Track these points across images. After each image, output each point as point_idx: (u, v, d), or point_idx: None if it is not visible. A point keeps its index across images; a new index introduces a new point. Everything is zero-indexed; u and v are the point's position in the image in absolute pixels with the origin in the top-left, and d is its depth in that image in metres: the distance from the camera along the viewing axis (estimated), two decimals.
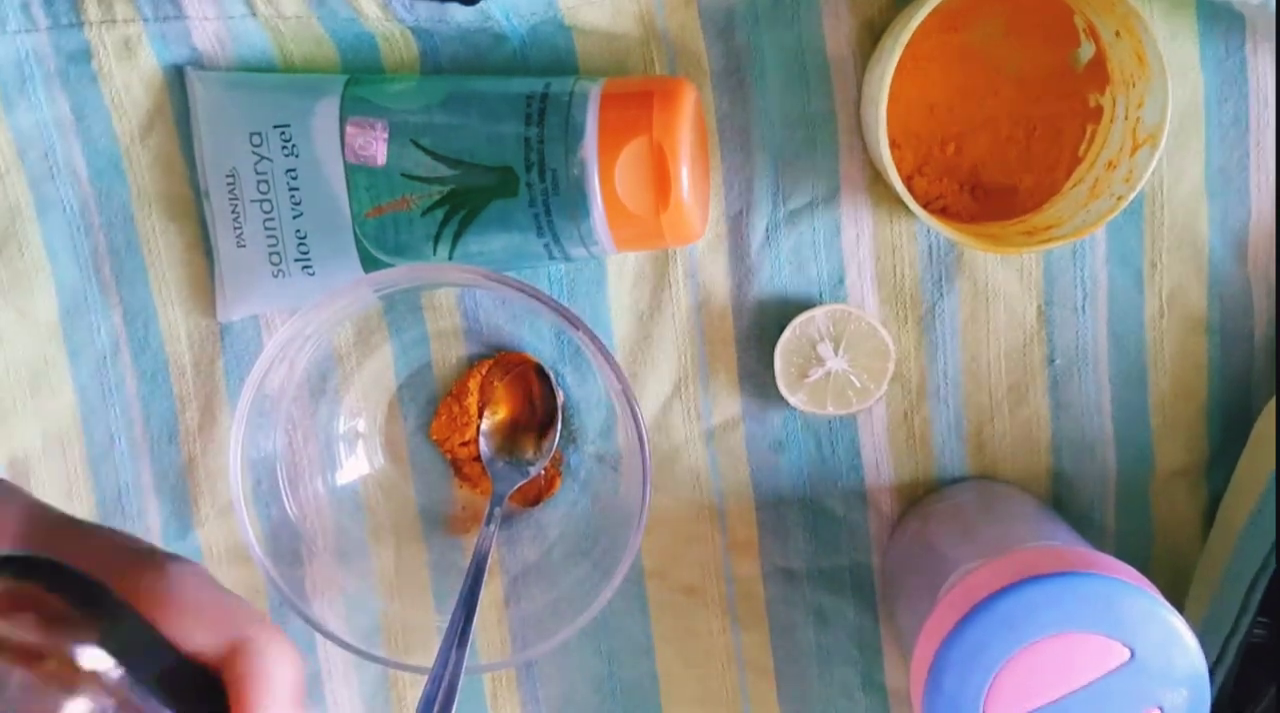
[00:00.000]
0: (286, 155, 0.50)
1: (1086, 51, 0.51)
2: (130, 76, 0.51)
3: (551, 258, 0.50)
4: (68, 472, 0.56)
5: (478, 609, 0.49)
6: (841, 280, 0.54)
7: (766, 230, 0.53)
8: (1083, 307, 0.54)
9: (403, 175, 0.48)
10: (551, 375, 0.54)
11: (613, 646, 0.57)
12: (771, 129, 0.52)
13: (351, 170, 0.49)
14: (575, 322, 0.48)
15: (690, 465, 0.56)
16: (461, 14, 0.49)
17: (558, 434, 0.54)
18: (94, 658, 0.30)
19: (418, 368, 0.55)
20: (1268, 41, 0.51)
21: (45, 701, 0.29)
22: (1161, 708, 0.43)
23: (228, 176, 0.51)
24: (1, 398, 0.55)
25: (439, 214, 0.48)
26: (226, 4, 0.50)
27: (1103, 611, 0.43)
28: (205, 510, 0.56)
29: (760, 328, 0.54)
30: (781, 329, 0.53)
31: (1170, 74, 0.46)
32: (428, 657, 0.48)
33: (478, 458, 0.55)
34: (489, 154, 0.48)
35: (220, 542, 0.57)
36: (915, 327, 0.54)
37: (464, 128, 0.48)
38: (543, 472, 0.55)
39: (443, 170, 0.48)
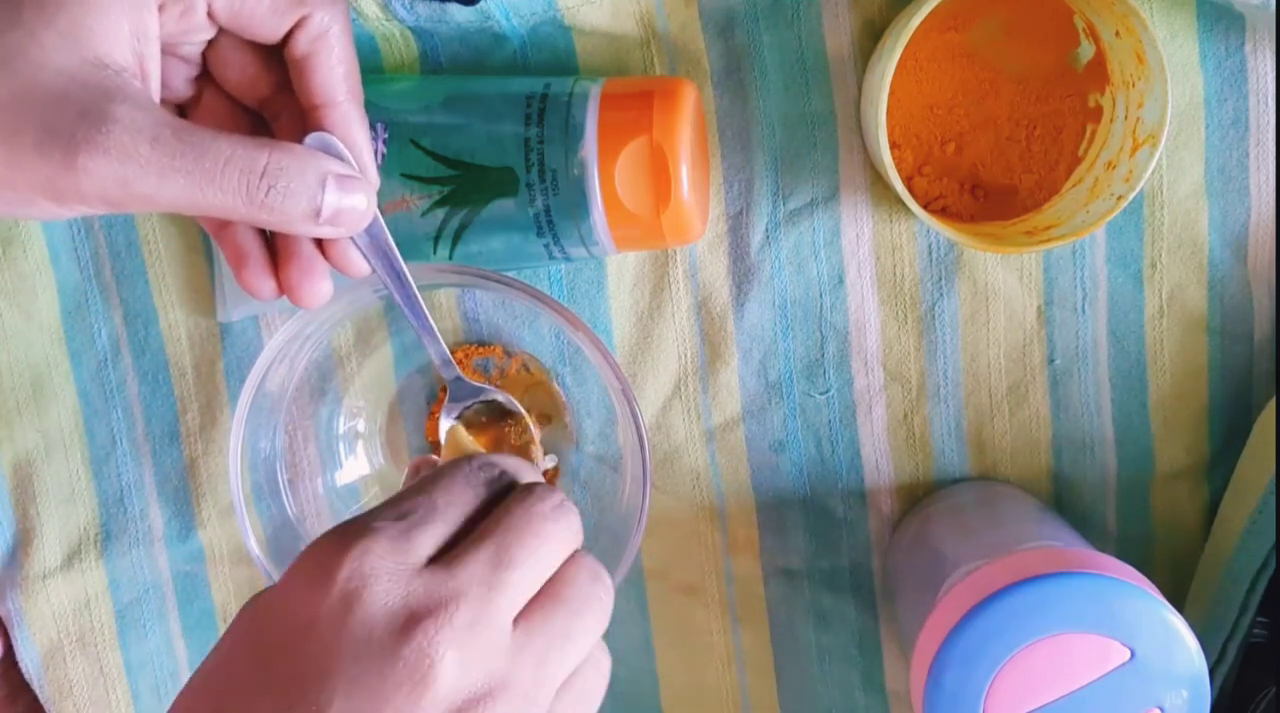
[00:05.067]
0: None
1: (1086, 51, 0.51)
2: None
3: (551, 258, 0.50)
4: (70, 473, 0.56)
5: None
6: (841, 280, 0.54)
7: (766, 230, 0.53)
8: (1083, 307, 0.54)
9: (403, 175, 0.48)
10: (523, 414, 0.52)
11: (613, 646, 0.57)
12: (771, 129, 0.52)
13: None
14: (575, 322, 0.48)
15: (690, 465, 0.56)
16: (461, 14, 0.49)
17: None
18: None
19: (418, 368, 0.55)
20: (1268, 41, 0.51)
21: None
22: (1161, 708, 0.43)
23: None
24: (4, 400, 0.55)
25: (439, 214, 0.48)
26: None
27: (1103, 611, 0.43)
28: (207, 511, 0.56)
29: (760, 328, 0.54)
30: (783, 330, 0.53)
31: (1170, 74, 0.46)
32: None
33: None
34: (489, 154, 0.48)
35: (223, 543, 0.57)
36: (915, 327, 0.54)
37: (464, 128, 0.48)
38: (543, 473, 0.55)
39: (443, 171, 0.48)
